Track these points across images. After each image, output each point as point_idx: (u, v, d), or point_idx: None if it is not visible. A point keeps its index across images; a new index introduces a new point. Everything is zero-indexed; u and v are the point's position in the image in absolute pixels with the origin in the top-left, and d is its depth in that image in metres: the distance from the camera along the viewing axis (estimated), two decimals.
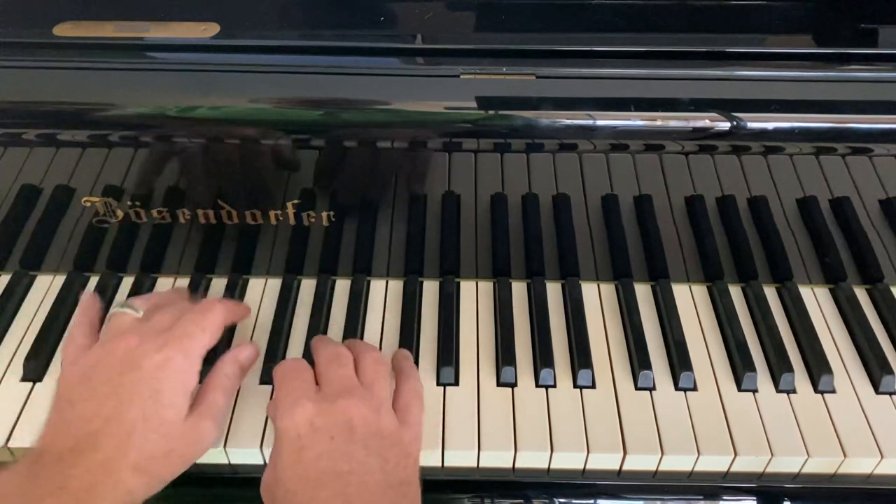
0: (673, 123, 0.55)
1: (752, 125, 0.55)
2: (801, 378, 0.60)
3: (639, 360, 0.60)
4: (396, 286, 0.67)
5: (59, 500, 0.44)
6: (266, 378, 0.59)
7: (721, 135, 0.55)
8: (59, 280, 0.67)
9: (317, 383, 0.53)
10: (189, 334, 0.52)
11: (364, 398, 0.51)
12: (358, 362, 0.55)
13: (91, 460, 0.45)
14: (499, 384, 0.59)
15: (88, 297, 0.61)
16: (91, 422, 0.47)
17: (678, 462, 0.56)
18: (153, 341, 0.50)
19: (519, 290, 0.67)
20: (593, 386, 0.60)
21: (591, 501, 0.59)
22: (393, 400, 0.54)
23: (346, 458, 0.48)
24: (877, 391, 0.60)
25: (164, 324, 0.53)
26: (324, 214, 0.62)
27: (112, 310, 0.56)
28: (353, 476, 0.47)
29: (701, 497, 0.58)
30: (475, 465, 0.56)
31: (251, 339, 0.63)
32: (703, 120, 0.55)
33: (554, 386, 0.59)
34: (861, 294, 0.67)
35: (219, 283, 0.67)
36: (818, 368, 0.60)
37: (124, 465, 0.46)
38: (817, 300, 0.67)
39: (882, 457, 0.55)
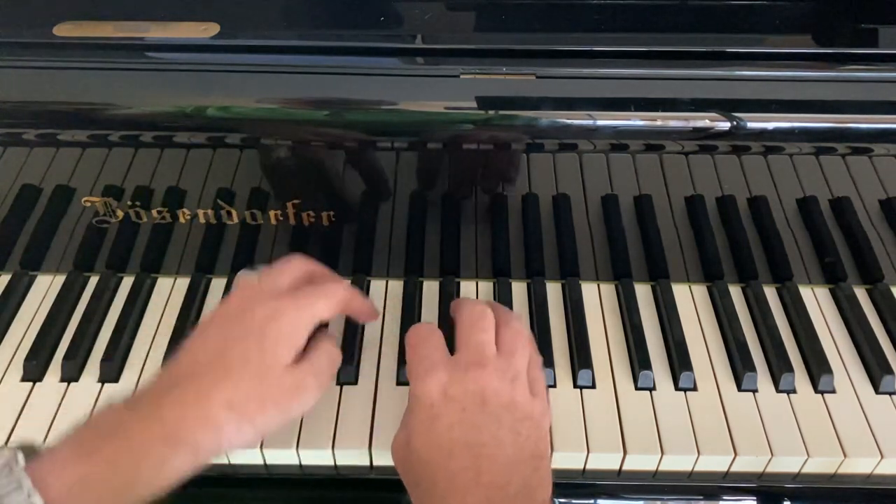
0: (673, 123, 0.55)
1: (752, 125, 0.55)
2: (801, 378, 0.60)
3: (639, 360, 0.60)
4: (396, 286, 0.67)
5: (151, 426, 0.44)
6: None
7: (721, 135, 0.55)
8: (59, 280, 0.67)
9: (452, 343, 0.53)
10: (306, 295, 0.52)
11: (498, 369, 0.51)
12: (498, 329, 0.54)
13: (186, 391, 0.46)
14: None
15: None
16: (196, 361, 0.48)
17: (678, 462, 0.56)
18: (269, 295, 0.51)
19: (519, 290, 0.67)
20: (593, 386, 0.60)
21: (591, 501, 0.59)
22: None
23: (477, 429, 0.48)
24: (877, 391, 0.60)
25: (282, 283, 0.53)
26: (324, 214, 0.62)
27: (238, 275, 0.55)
28: (484, 448, 0.47)
29: (701, 497, 0.58)
30: None
31: None
32: (703, 120, 0.55)
33: (554, 386, 0.59)
34: (861, 294, 0.67)
35: (219, 283, 0.67)
36: (818, 368, 0.60)
37: (216, 400, 0.45)
38: (817, 300, 0.67)
39: (882, 457, 0.55)
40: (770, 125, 0.56)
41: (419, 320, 0.65)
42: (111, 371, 0.59)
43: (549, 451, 0.51)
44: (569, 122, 0.55)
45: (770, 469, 0.56)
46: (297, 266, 0.55)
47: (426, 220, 0.64)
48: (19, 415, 0.57)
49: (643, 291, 0.67)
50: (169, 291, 0.67)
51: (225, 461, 0.56)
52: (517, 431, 0.49)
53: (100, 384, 0.59)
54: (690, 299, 0.67)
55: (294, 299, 0.51)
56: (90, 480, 0.42)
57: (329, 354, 0.52)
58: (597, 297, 0.67)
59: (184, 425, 0.44)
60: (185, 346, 0.50)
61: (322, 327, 0.53)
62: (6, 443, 0.55)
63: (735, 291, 0.67)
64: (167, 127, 0.56)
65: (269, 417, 0.47)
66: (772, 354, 0.61)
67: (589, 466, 0.56)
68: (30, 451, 0.43)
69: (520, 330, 0.54)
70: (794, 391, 0.60)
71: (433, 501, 0.47)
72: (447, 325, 0.63)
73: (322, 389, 0.51)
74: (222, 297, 0.56)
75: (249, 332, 0.48)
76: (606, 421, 0.57)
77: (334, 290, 0.53)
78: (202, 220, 0.63)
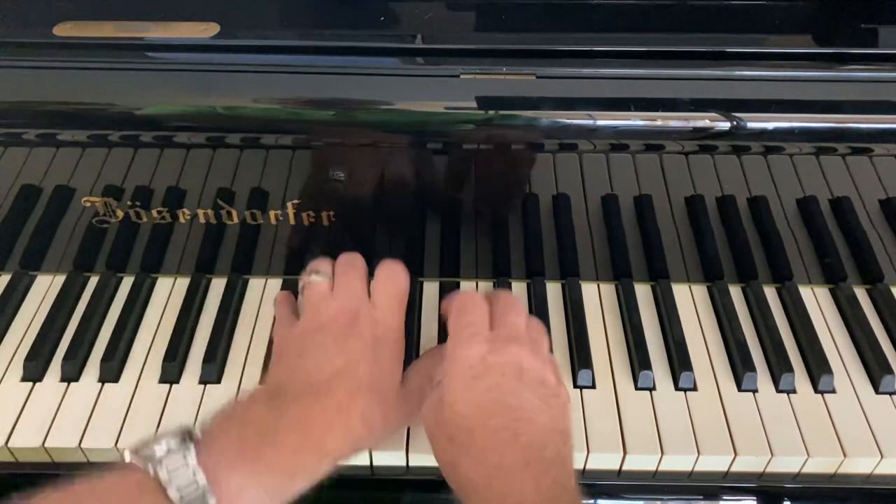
0: (673, 123, 0.55)
1: (752, 125, 0.55)
2: (801, 378, 0.60)
3: (639, 360, 0.60)
4: None
5: (303, 435, 0.47)
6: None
7: (721, 135, 0.55)
8: (59, 280, 0.67)
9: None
10: (390, 307, 0.56)
11: (532, 349, 0.52)
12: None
13: (328, 404, 0.49)
14: None
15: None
16: (322, 370, 0.50)
17: (678, 462, 0.56)
18: (367, 312, 0.55)
19: (519, 290, 0.67)
20: (593, 386, 0.60)
21: (591, 501, 0.59)
22: None
23: (515, 394, 0.49)
24: (877, 391, 0.60)
25: (361, 288, 0.56)
26: (324, 214, 0.62)
27: (303, 280, 0.58)
28: (521, 412, 0.48)
29: (701, 497, 0.58)
30: None
31: (251, 337, 0.63)
32: (703, 120, 0.55)
33: None
34: (861, 294, 0.67)
35: (219, 283, 0.67)
36: (818, 368, 0.60)
37: (354, 414, 0.49)
38: (817, 300, 0.67)
39: (882, 457, 0.55)
40: (770, 125, 0.56)
41: (419, 320, 0.65)
42: (111, 371, 0.59)
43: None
44: (569, 122, 0.55)
45: (770, 469, 0.56)
46: (360, 265, 0.58)
47: (426, 220, 0.63)
48: (19, 415, 0.57)
49: (643, 291, 0.67)
50: (169, 291, 0.67)
51: None
52: (549, 405, 0.50)
53: (100, 384, 0.59)
54: (690, 299, 0.67)
55: (388, 314, 0.55)
56: (254, 482, 0.45)
57: (422, 382, 0.55)
58: (597, 297, 0.67)
59: (330, 438, 0.48)
60: (299, 350, 0.52)
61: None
62: (7, 440, 0.55)
63: (735, 291, 0.67)
64: (167, 127, 0.56)
65: (388, 432, 0.52)
66: (772, 354, 0.61)
67: (589, 466, 0.56)
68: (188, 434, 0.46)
69: (542, 326, 0.57)
70: (794, 391, 0.60)
71: (470, 455, 0.47)
72: (444, 325, 0.63)
73: (416, 414, 0.54)
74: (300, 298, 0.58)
75: (369, 353, 0.52)
76: (606, 421, 0.57)
77: (399, 282, 0.57)
78: (202, 220, 0.63)
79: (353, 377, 0.50)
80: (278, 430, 0.47)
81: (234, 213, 0.62)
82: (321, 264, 0.58)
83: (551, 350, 0.61)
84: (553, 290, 0.67)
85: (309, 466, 0.47)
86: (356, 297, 0.55)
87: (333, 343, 0.52)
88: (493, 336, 0.52)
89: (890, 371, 0.60)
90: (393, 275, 0.58)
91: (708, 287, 0.68)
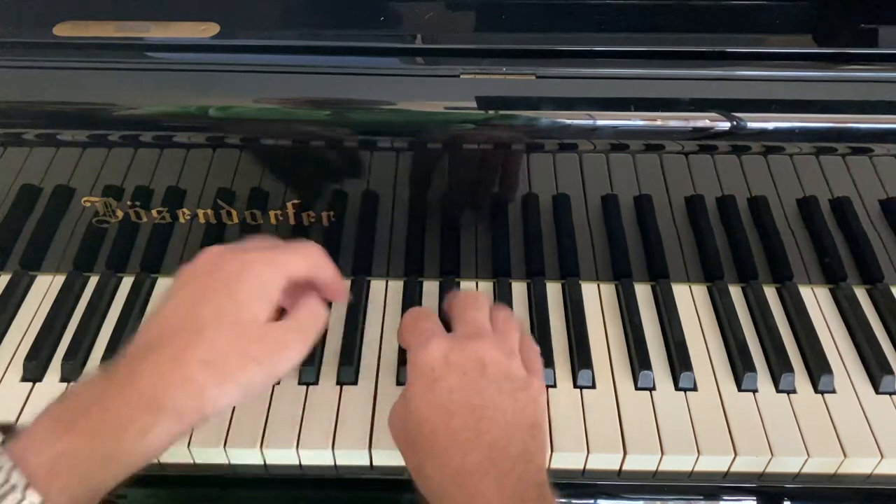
0: (673, 123, 0.55)
1: (752, 125, 0.55)
2: (801, 378, 0.60)
3: (639, 360, 0.60)
4: (396, 286, 0.67)
5: (129, 394, 0.42)
6: None
7: (721, 135, 0.55)
8: (59, 280, 0.67)
9: (448, 329, 0.54)
10: (276, 249, 0.50)
11: (496, 342, 0.52)
12: (491, 313, 0.55)
13: (160, 355, 0.44)
14: None
15: None
16: (167, 321, 0.46)
17: (678, 462, 0.56)
18: (238, 252, 0.49)
19: (519, 290, 0.67)
20: (593, 386, 0.60)
21: (591, 501, 0.59)
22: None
23: (478, 393, 0.48)
24: (877, 391, 0.60)
25: (249, 247, 0.50)
26: (324, 214, 0.62)
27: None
28: (485, 410, 0.48)
29: (701, 497, 0.58)
30: None
31: None
32: (703, 120, 0.55)
33: (554, 386, 0.59)
34: (861, 294, 0.67)
35: None
36: (818, 368, 0.60)
37: (193, 361, 0.43)
38: (817, 300, 0.67)
39: (882, 457, 0.55)
40: (770, 125, 0.56)
41: None
42: None
43: (547, 428, 0.52)
44: (569, 122, 0.55)
45: (770, 469, 0.56)
46: (263, 236, 0.53)
47: (426, 220, 0.63)
48: (19, 415, 0.57)
49: (643, 291, 0.67)
50: None
51: (225, 461, 0.56)
52: (515, 399, 0.49)
53: None
54: (690, 299, 0.67)
55: (262, 253, 0.49)
56: (70, 454, 0.40)
57: (312, 310, 0.50)
58: (597, 297, 0.67)
59: (163, 391, 0.42)
60: (155, 311, 0.47)
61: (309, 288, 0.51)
62: (4, 442, 0.55)
63: (735, 291, 0.67)
64: (167, 127, 0.56)
65: (252, 375, 0.45)
66: (772, 354, 0.61)
67: (589, 466, 0.56)
68: (7, 430, 0.42)
69: (511, 316, 0.56)
70: (794, 391, 0.60)
71: (434, 458, 0.47)
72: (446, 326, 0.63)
73: (307, 346, 0.48)
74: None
75: (220, 289, 0.46)
76: (606, 421, 0.57)
77: (306, 247, 0.51)
78: (202, 220, 0.63)
79: (196, 322, 0.45)
80: (101, 396, 0.42)
81: (234, 213, 0.62)
82: (250, 238, 0.53)
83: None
84: (553, 290, 0.67)
85: (139, 426, 0.42)
86: (243, 246, 0.50)
87: (184, 291, 0.47)
88: (452, 335, 0.52)
89: (890, 371, 0.60)
90: (310, 244, 0.52)
91: (708, 287, 0.68)
